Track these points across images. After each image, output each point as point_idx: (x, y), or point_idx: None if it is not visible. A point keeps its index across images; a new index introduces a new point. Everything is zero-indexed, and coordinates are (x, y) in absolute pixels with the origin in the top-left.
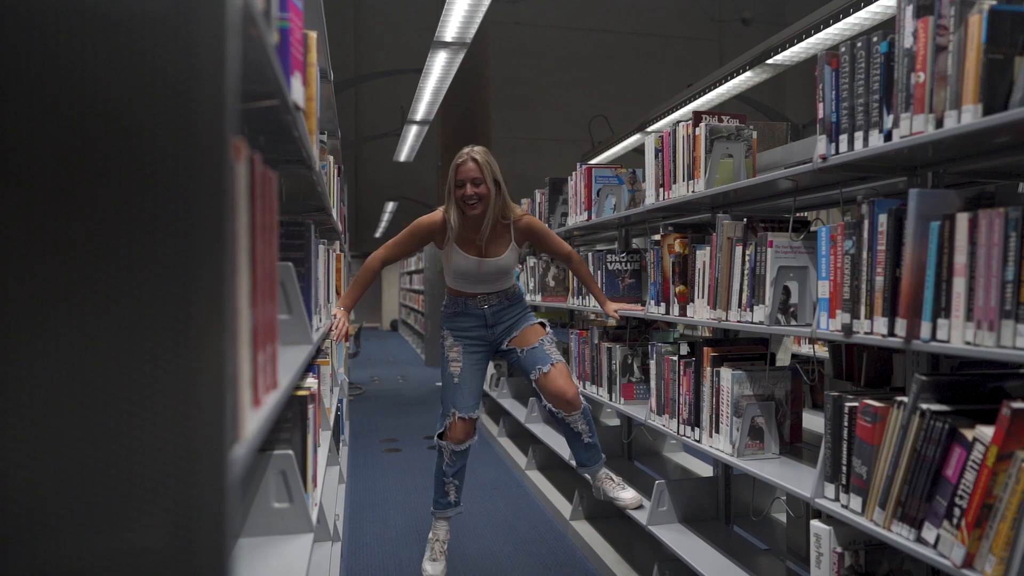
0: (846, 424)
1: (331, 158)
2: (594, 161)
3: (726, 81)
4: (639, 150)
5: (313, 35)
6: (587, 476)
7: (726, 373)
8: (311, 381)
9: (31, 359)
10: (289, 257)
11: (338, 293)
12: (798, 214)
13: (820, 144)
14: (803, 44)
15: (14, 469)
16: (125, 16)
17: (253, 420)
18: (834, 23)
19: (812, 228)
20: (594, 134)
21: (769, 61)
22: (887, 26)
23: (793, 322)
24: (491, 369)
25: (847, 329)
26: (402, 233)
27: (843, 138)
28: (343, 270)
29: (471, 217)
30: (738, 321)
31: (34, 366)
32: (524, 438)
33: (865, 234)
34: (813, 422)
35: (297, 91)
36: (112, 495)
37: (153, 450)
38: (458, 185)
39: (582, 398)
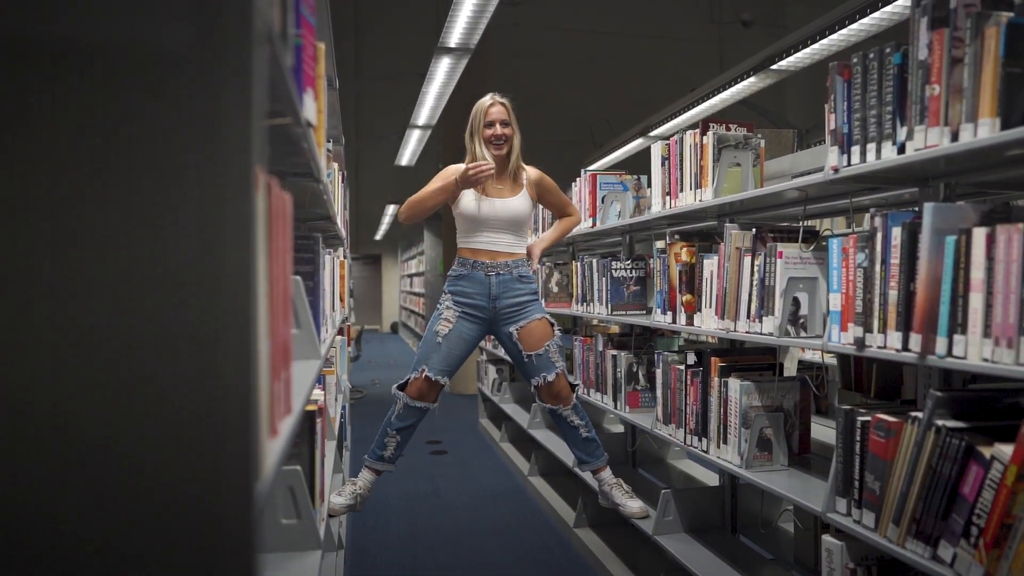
0: (858, 438)
1: (335, 165)
2: (597, 164)
3: (729, 87)
4: (642, 153)
5: (322, 47)
6: (595, 480)
7: (734, 383)
8: (317, 393)
9: (52, 371)
10: (298, 271)
11: (342, 300)
12: (805, 222)
13: (832, 155)
14: (807, 50)
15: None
16: (148, 54)
17: (271, 452)
18: (840, 28)
19: (823, 240)
20: (596, 137)
21: (773, 67)
22: (893, 32)
23: (803, 333)
24: (493, 374)
25: (859, 343)
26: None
27: (855, 150)
28: (346, 276)
29: (496, 157)
30: (747, 332)
31: (57, 387)
32: (526, 443)
33: (878, 247)
34: (818, 431)
35: (309, 108)
36: (133, 538)
37: (177, 497)
38: (487, 125)
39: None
